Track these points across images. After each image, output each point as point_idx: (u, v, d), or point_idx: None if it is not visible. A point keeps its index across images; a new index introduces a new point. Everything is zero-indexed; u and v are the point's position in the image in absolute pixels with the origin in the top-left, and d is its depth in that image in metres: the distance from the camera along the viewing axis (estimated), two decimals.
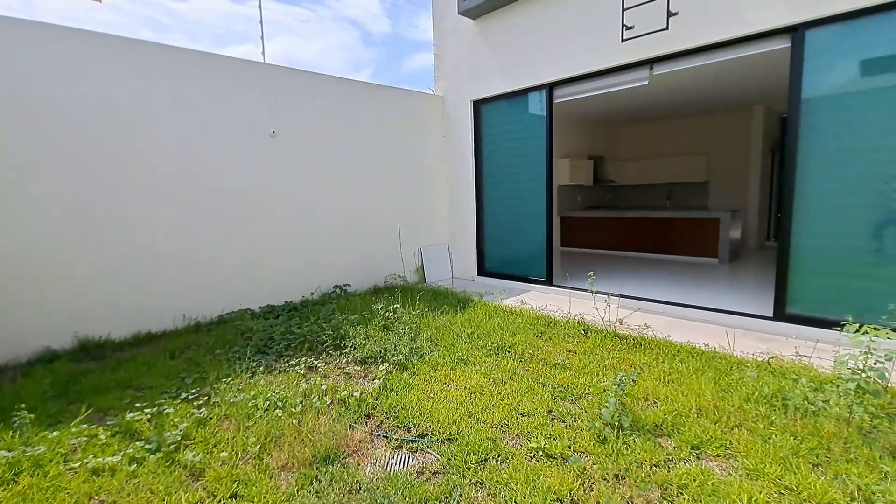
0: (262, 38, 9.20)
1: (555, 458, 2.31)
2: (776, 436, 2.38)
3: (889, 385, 2.48)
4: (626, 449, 2.34)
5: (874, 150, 3.61)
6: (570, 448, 2.38)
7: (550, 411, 2.80)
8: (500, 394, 3.05)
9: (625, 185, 10.81)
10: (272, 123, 5.22)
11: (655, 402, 2.82)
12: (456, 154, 6.88)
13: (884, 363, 2.20)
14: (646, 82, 4.87)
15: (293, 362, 3.63)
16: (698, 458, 2.28)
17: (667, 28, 4.34)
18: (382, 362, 3.62)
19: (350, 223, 6.01)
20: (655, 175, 10.24)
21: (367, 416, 2.85)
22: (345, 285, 5.85)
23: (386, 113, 6.32)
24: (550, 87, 5.58)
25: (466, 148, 6.69)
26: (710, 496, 1.96)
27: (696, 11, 4.26)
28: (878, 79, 3.57)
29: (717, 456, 2.29)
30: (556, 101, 5.63)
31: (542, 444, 2.39)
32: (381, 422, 2.78)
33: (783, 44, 3.94)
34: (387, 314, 4.42)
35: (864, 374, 2.25)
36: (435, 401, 2.99)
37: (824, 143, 3.82)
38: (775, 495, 1.97)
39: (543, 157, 5.78)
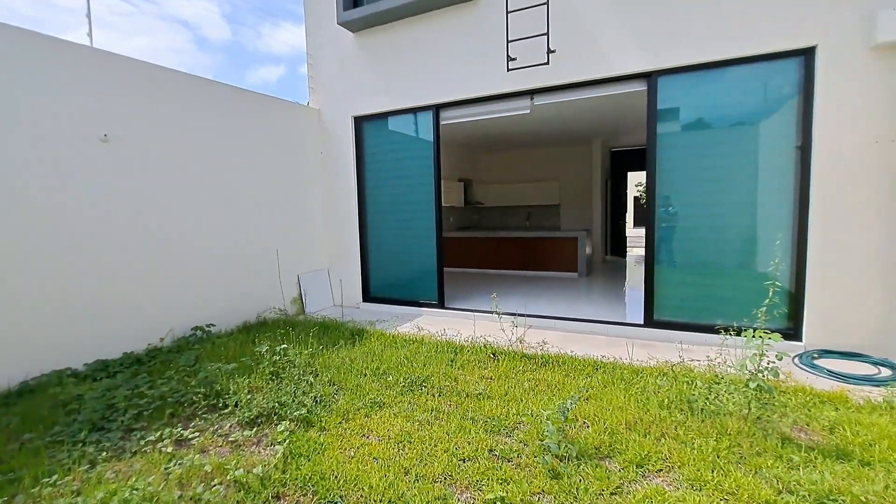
0: (88, 16, 7.28)
1: None
2: (696, 440, 2.56)
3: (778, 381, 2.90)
4: (581, 481, 2.24)
5: (704, 180, 4.39)
6: (529, 492, 2.18)
7: (491, 450, 2.58)
8: (431, 438, 2.72)
9: (491, 207, 11.51)
10: (104, 125, 4.06)
11: (586, 423, 2.83)
12: (335, 172, 6.37)
13: (775, 362, 2.55)
14: (528, 111, 5.18)
15: (152, 437, 2.73)
16: (644, 476, 2.31)
17: (547, 63, 4.67)
18: (280, 420, 2.97)
19: (213, 249, 5.01)
20: (516, 198, 11.14)
21: (278, 499, 2.24)
22: (207, 326, 4.81)
23: (257, 123, 5.52)
24: (437, 109, 5.55)
25: (347, 166, 6.24)
26: None
27: (571, 51, 4.69)
28: (706, 121, 4.37)
29: (660, 471, 2.35)
30: (442, 122, 5.62)
31: (499, 493, 2.15)
32: (299, 502, 2.21)
33: (641, 87, 4.56)
34: (274, 357, 3.71)
35: (761, 374, 2.58)
36: (358, 460, 2.52)
37: (672, 173, 4.50)
38: (723, 502, 2.06)
39: (432, 178, 5.70)
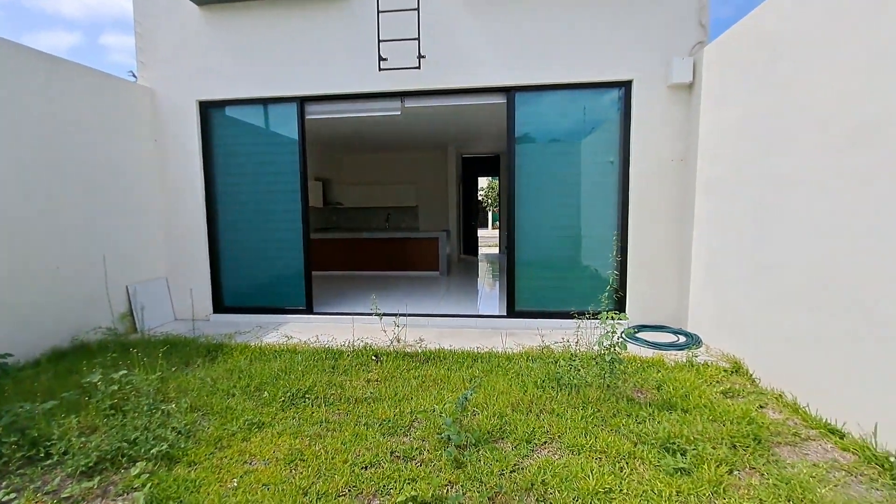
0: None
1: (429, 502, 2.12)
2: (568, 411, 2.94)
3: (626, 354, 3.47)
4: (484, 465, 2.38)
5: (554, 186, 5.06)
6: (438, 486, 2.23)
7: (393, 452, 2.55)
8: (327, 452, 2.56)
9: (350, 208, 11.26)
10: None
11: (476, 411, 3.00)
12: (175, 165, 5.46)
13: (623, 338, 3.08)
14: (398, 113, 5.23)
15: None
16: (534, 450, 2.56)
17: (419, 67, 4.80)
18: (131, 462, 2.44)
19: (6, 255, 3.82)
20: (376, 199, 11.14)
21: None
22: (1, 357, 3.65)
23: (71, 100, 4.39)
24: (302, 102, 5.21)
25: (191, 158, 5.41)
26: (567, 481, 2.23)
27: (441, 59, 4.89)
28: (554, 134, 5.05)
29: (545, 443, 2.63)
30: (308, 116, 5.30)
31: (409, 493, 2.15)
32: None
33: (501, 99, 5.02)
34: (111, 387, 3.01)
35: (612, 349, 3.10)
36: (245, 491, 2.24)
37: (527, 179, 5.07)
38: (598, 460, 2.42)
39: (297, 176, 5.33)
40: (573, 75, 4.76)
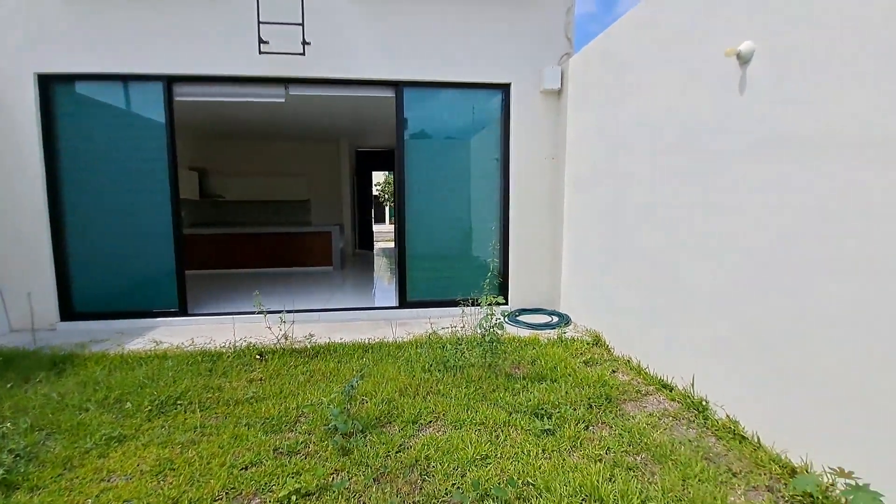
0: None
1: (314, 493, 2.11)
2: (453, 391, 3.13)
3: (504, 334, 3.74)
4: (370, 449, 2.44)
5: (441, 180, 5.27)
6: (323, 476, 2.23)
7: (276, 449, 2.48)
8: (202, 457, 2.40)
9: (233, 201, 10.38)
10: None
11: (365, 399, 3.04)
12: (6, 151, 4.55)
13: (501, 319, 3.36)
14: (283, 100, 4.99)
15: None
16: (420, 430, 2.68)
17: (303, 54, 4.62)
18: None
19: None
20: (263, 192, 10.43)
21: None
22: None
23: None
24: (170, 81, 4.69)
25: (27, 142, 4.54)
26: (448, 453, 2.39)
27: (328, 48, 4.77)
28: (442, 130, 5.25)
29: (430, 422, 2.77)
30: (177, 98, 4.79)
31: (292, 486, 2.12)
32: None
33: (389, 93, 5.06)
34: None
35: (492, 331, 3.35)
36: None
37: (417, 174, 5.20)
38: (478, 431, 2.62)
39: (165, 165, 4.80)
40: (459, 75, 4.99)
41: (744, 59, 2.63)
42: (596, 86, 4.37)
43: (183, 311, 5.01)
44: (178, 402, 3.02)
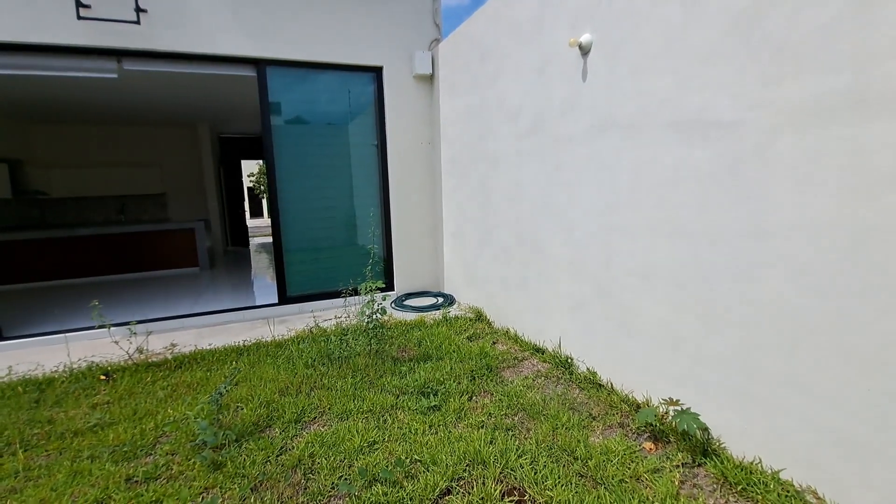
0: None
1: None
2: (338, 383, 3.02)
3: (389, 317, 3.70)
4: (246, 458, 2.24)
5: (315, 168, 5.02)
6: (190, 496, 1.99)
7: (129, 479, 2.15)
8: None
9: (60, 199, 8.63)
10: None
11: (240, 406, 2.79)
12: None
13: (382, 303, 3.32)
14: (115, 76, 4.23)
15: None
16: (303, 428, 2.55)
17: (138, 22, 3.96)
18: None
19: None
20: (102, 186, 8.85)
21: None
22: None
23: None
24: None
25: None
26: (334, 447, 2.30)
27: (171, 18, 4.14)
28: (313, 115, 4.97)
29: (315, 418, 2.65)
30: None
31: None
32: None
33: (250, 72, 4.61)
34: None
35: (374, 317, 3.30)
36: None
37: (288, 161, 4.86)
38: (365, 419, 2.58)
39: None
40: (330, 55, 4.73)
41: (584, 50, 2.92)
42: (463, 71, 4.50)
43: None
44: None
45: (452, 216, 5.01)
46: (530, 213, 3.58)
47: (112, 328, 3.50)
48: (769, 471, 1.99)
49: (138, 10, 3.99)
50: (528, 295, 3.68)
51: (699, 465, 2.14)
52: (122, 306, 5.18)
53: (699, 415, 2.25)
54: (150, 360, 3.51)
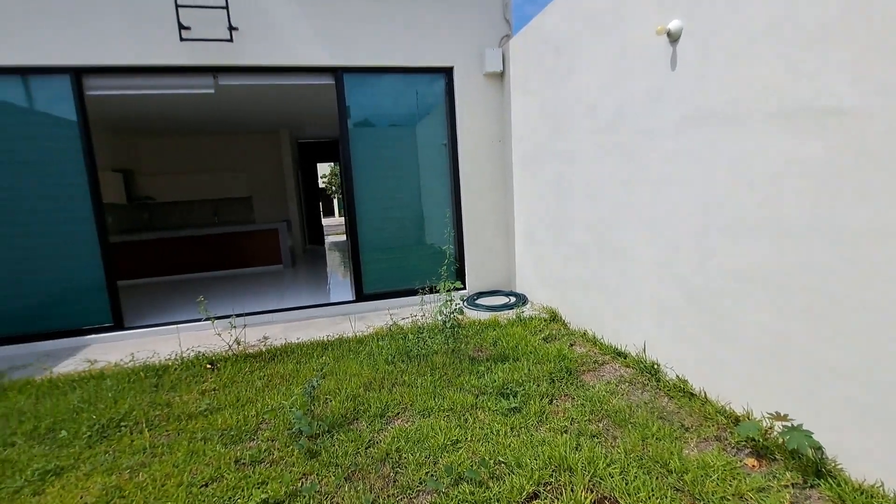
0: None
1: (283, 500, 2.03)
2: (418, 380, 3.11)
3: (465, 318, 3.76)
4: (338, 449, 2.38)
5: (389, 169, 5.17)
6: (291, 482, 2.15)
7: (238, 460, 2.36)
8: (155, 479, 2.24)
9: (165, 203, 9.65)
10: None
11: (328, 398, 2.96)
12: None
13: (460, 304, 3.36)
14: (212, 91, 4.65)
15: None
16: (388, 423, 2.65)
17: (231, 40, 4.32)
18: None
19: None
20: (198, 191, 9.77)
21: None
22: None
23: None
24: (78, 74, 4.22)
25: None
26: (418, 443, 2.37)
27: (258, 34, 4.46)
28: (386, 117, 5.13)
29: (398, 414, 2.74)
30: (89, 93, 4.33)
31: (259, 497, 2.03)
32: None
33: (329, 80, 4.85)
34: None
35: (451, 316, 3.35)
36: None
37: (364, 164, 5.06)
38: (447, 418, 2.63)
39: (82, 166, 4.34)
40: (401, 59, 4.85)
41: (674, 37, 2.74)
42: (536, 67, 4.41)
43: (119, 325, 4.62)
44: (122, 423, 2.80)
45: (524, 215, 4.95)
46: (609, 211, 3.44)
47: (215, 321, 3.86)
48: (893, 495, 1.77)
49: (230, 28, 4.34)
50: (608, 296, 3.54)
51: (812, 487, 1.94)
52: (217, 301, 5.68)
53: (812, 433, 2.04)
54: (247, 352, 3.82)
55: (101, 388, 3.27)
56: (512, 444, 2.33)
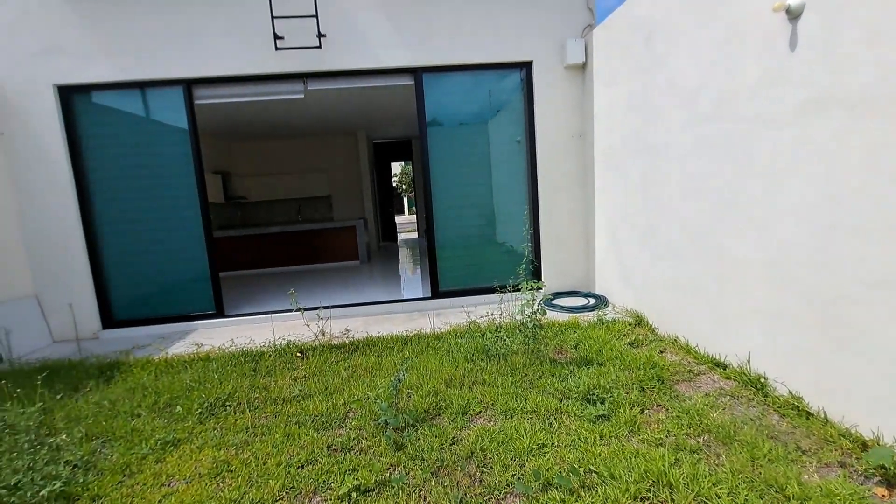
0: None
1: (374, 488, 2.10)
2: (498, 379, 3.07)
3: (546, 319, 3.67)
4: (424, 443, 2.41)
5: (466, 167, 5.17)
6: (380, 471, 2.21)
7: (329, 446, 2.48)
8: (257, 458, 2.42)
9: (255, 202, 10.48)
10: None
11: (410, 392, 3.01)
12: (32, 163, 4.63)
13: (542, 305, 3.27)
14: (302, 95, 4.94)
15: None
16: (470, 421, 2.64)
17: (320, 47, 4.55)
18: None
19: None
20: (283, 190, 10.49)
21: None
22: None
23: None
24: (189, 85, 4.69)
25: (54, 154, 4.62)
26: (503, 444, 2.34)
27: (343, 39, 4.68)
28: (464, 115, 5.13)
29: (479, 413, 2.73)
30: (198, 102, 4.79)
31: (351, 483, 2.11)
32: None
33: (409, 81, 4.95)
34: None
35: (534, 316, 3.27)
36: None
37: (441, 162, 5.10)
38: (530, 420, 2.57)
39: (192, 168, 4.82)
40: (480, 56, 4.84)
41: (794, 14, 2.45)
42: (622, 56, 4.18)
43: (220, 313, 5.08)
44: (227, 403, 3.05)
45: (606, 213, 4.71)
46: (709, 208, 3.16)
47: (305, 312, 4.09)
48: None
49: (319, 35, 4.57)
50: (704, 301, 3.26)
51: None
52: (300, 293, 6.04)
53: None
54: (331, 343, 4.02)
55: (207, 370, 3.60)
56: (602, 454, 2.22)
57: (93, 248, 4.84)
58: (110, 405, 3.11)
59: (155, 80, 4.66)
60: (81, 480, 2.29)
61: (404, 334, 4.15)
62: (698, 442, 2.30)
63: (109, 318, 4.99)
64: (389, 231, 12.23)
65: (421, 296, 5.34)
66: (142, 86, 4.71)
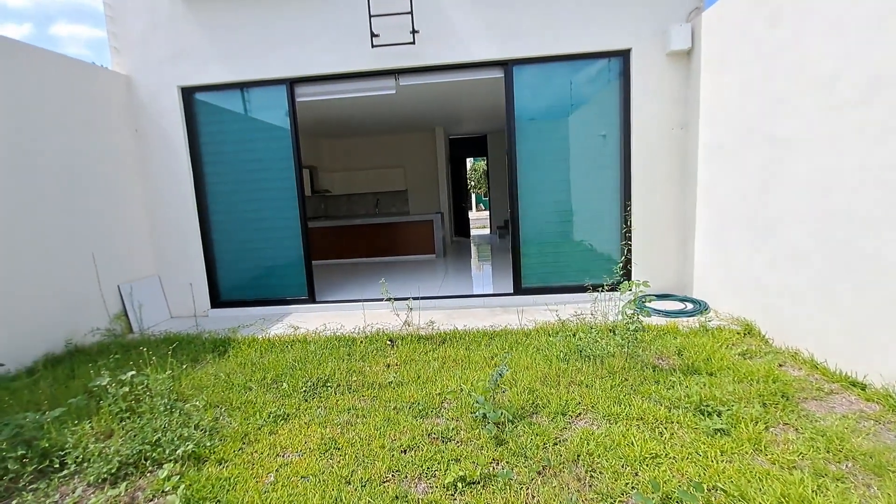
0: None
1: (479, 481, 2.09)
2: (596, 382, 2.94)
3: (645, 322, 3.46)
4: (525, 441, 2.36)
5: (556, 162, 5.01)
6: (484, 465, 2.20)
7: (429, 434, 2.51)
8: (361, 438, 2.51)
9: (338, 195, 11.01)
10: None
11: (504, 388, 2.98)
12: (159, 156, 5.19)
13: (644, 308, 3.09)
14: (393, 91, 5.07)
15: None
16: (571, 422, 2.55)
17: (413, 43, 4.63)
18: (157, 465, 2.35)
19: None
20: (363, 185, 10.91)
21: None
22: None
23: (38, 89, 4.09)
24: (292, 84, 4.99)
25: (176, 148, 5.15)
26: (611, 449, 2.23)
27: (434, 34, 4.73)
28: (555, 108, 4.97)
29: (579, 415, 2.63)
30: (299, 99, 5.09)
31: (457, 473, 2.11)
32: None
33: (498, 74, 4.90)
34: (122, 389, 2.87)
35: (635, 317, 3.10)
36: (284, 485, 2.17)
37: (528, 156, 4.99)
38: (637, 427, 2.43)
39: (291, 163, 5.14)
40: (572, 45, 4.67)
41: None
42: (737, 39, 3.81)
43: (312, 299, 5.38)
44: (328, 384, 3.21)
45: (710, 210, 4.35)
46: (846, 206, 2.79)
47: (394, 302, 4.21)
48: None
49: (413, 31, 4.64)
50: (837, 312, 2.89)
51: None
52: (387, 282, 6.22)
53: None
54: (418, 333, 4.09)
55: (307, 351, 3.81)
56: (726, 471, 2.03)
57: (205, 235, 5.33)
58: (226, 377, 3.40)
59: (262, 80, 5.01)
60: (208, 444, 2.51)
61: (490, 329, 4.12)
62: (840, 469, 2.04)
63: (216, 298, 5.47)
64: (463, 226, 12.27)
65: (502, 291, 5.28)
66: (250, 85, 5.09)
